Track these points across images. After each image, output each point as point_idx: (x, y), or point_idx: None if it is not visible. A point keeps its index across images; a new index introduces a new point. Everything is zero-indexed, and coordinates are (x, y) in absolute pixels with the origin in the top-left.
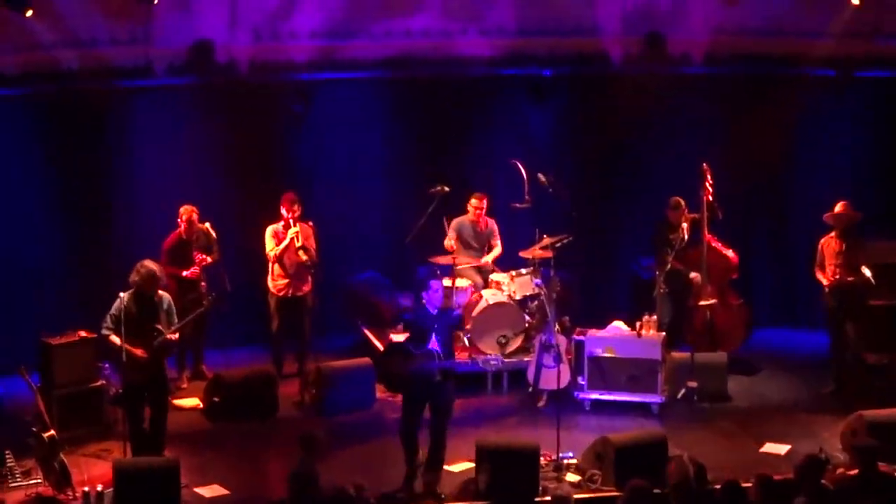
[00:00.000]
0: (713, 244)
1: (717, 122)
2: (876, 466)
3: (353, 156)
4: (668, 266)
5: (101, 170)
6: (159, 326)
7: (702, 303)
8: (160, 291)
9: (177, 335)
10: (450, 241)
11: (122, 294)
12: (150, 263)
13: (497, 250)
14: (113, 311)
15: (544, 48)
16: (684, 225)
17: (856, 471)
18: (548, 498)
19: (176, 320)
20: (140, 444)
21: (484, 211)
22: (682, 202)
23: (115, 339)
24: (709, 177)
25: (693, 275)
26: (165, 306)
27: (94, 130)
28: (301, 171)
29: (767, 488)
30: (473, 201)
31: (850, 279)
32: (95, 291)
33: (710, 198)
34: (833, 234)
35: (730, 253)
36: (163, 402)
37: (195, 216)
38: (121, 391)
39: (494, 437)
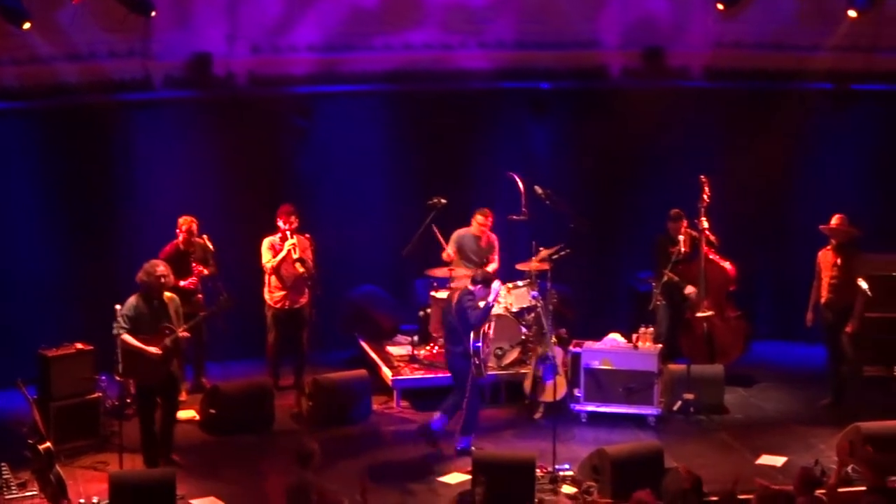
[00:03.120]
0: (711, 256)
1: (717, 136)
2: (886, 481)
3: (352, 168)
4: (665, 278)
5: (101, 182)
6: (170, 325)
7: (699, 314)
8: (168, 293)
9: (188, 333)
10: (448, 252)
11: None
12: (158, 262)
13: (493, 266)
14: (125, 310)
15: (544, 62)
16: (681, 238)
17: (853, 486)
18: None
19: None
20: (151, 448)
21: (489, 227)
22: (682, 214)
23: (129, 339)
24: (706, 189)
25: (688, 289)
26: (175, 307)
27: (94, 143)
28: (300, 184)
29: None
30: (479, 218)
31: (845, 301)
32: (95, 304)
33: (707, 232)
34: (829, 247)
35: (727, 265)
36: (174, 402)
37: (194, 227)
38: (117, 403)
39: (491, 450)
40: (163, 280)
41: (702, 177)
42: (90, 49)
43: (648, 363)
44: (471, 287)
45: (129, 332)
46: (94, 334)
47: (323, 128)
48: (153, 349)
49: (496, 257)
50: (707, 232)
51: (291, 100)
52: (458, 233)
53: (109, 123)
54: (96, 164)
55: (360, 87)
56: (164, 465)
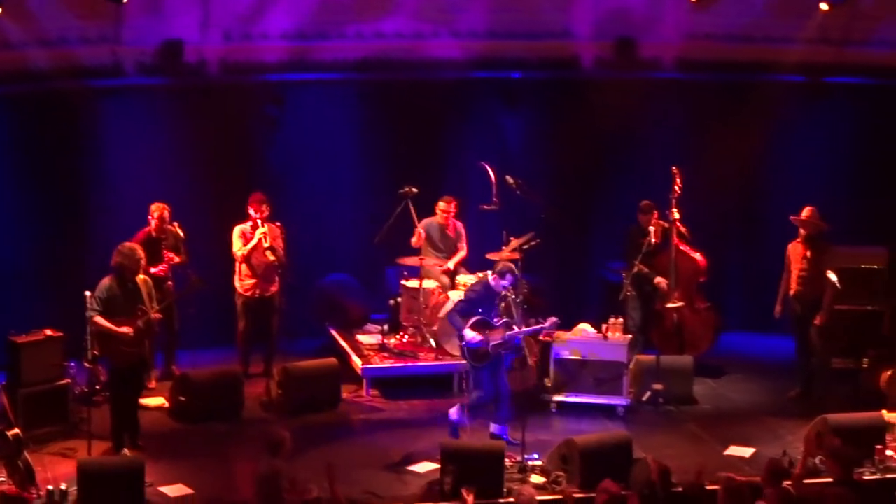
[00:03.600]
0: (681, 247)
1: (689, 127)
2: (852, 474)
3: (323, 157)
4: (635, 269)
5: (72, 168)
6: (143, 307)
7: (669, 305)
8: (141, 276)
9: (159, 314)
10: (416, 238)
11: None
12: (130, 244)
13: (461, 254)
14: (98, 293)
15: (516, 51)
16: (651, 229)
17: (819, 477)
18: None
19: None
20: (121, 432)
21: (452, 215)
22: (653, 205)
23: (101, 320)
24: (678, 180)
25: (658, 279)
26: (148, 289)
27: (64, 129)
28: (271, 172)
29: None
30: (442, 205)
31: (814, 294)
32: (65, 290)
33: (678, 223)
34: (799, 239)
35: (698, 256)
36: (140, 388)
37: (167, 214)
38: (86, 389)
39: (460, 439)
40: (141, 263)
41: (673, 168)
42: (61, 35)
43: (618, 353)
44: (490, 277)
45: (102, 314)
46: (64, 321)
47: (294, 116)
48: (125, 329)
49: (464, 245)
50: (678, 223)
51: (263, 87)
52: (426, 221)
53: (80, 109)
54: (66, 150)
55: (331, 75)
56: (130, 451)
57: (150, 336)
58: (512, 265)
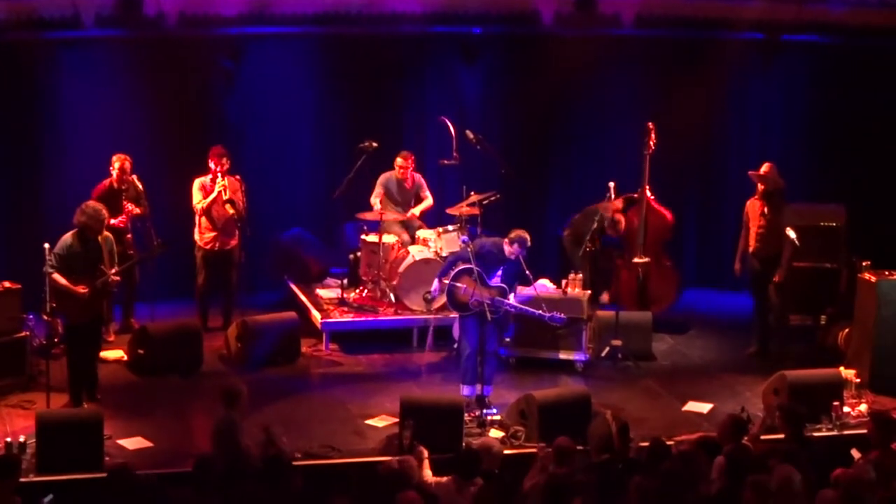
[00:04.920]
0: (653, 204)
1: (648, 84)
2: (803, 431)
3: (282, 111)
4: (595, 225)
5: (30, 122)
6: (102, 267)
7: (636, 261)
8: (105, 233)
9: (118, 276)
10: (375, 199)
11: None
12: (95, 203)
13: (427, 202)
14: (57, 249)
15: (475, 6)
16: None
17: (777, 434)
18: None
19: (117, 262)
20: (78, 387)
21: (410, 170)
22: (612, 186)
23: (59, 278)
24: (653, 136)
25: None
26: (109, 247)
27: (21, 81)
28: (230, 126)
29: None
30: (399, 160)
31: (772, 251)
32: (23, 243)
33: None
34: (757, 196)
35: (668, 215)
36: (99, 342)
37: (127, 165)
38: (45, 342)
39: (419, 393)
40: (105, 223)
41: (649, 123)
42: None
43: (577, 309)
44: (504, 241)
45: (59, 271)
46: (22, 273)
47: (254, 69)
48: (80, 289)
49: (428, 194)
50: (650, 198)
51: (221, 41)
52: (384, 176)
53: (38, 61)
54: (25, 102)
55: (290, 28)
56: (88, 404)
57: (107, 296)
58: (525, 234)
